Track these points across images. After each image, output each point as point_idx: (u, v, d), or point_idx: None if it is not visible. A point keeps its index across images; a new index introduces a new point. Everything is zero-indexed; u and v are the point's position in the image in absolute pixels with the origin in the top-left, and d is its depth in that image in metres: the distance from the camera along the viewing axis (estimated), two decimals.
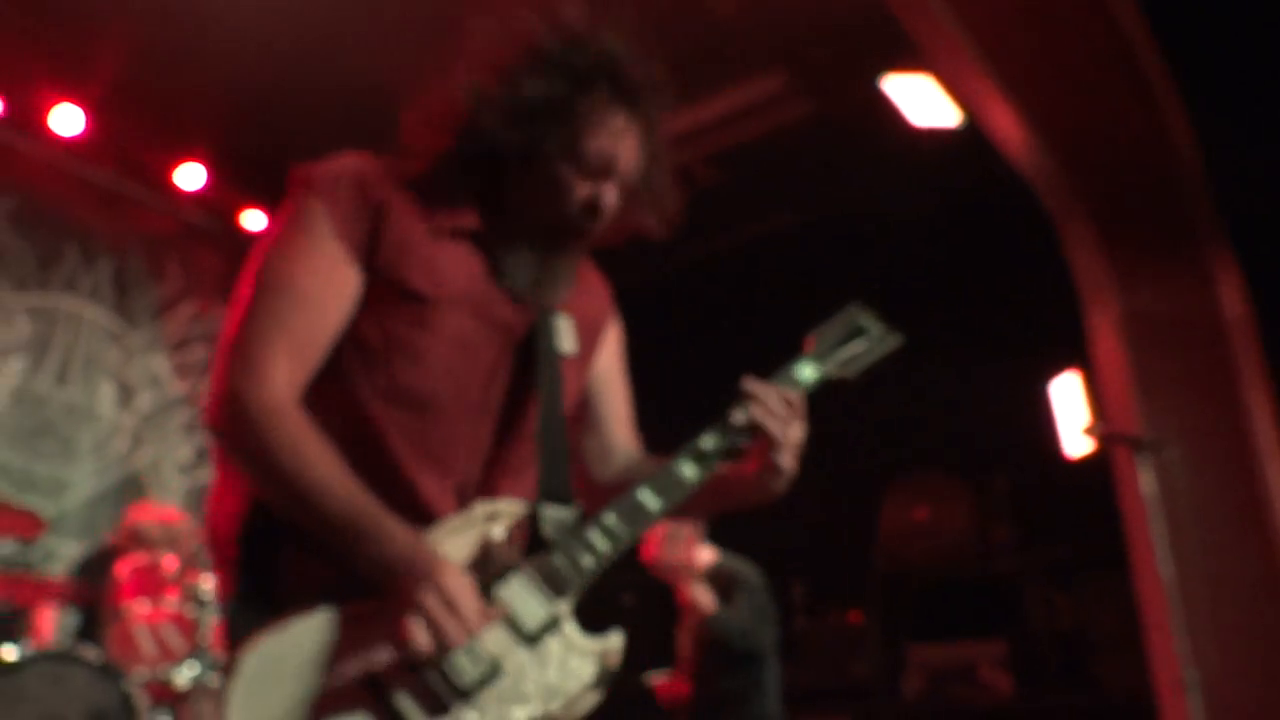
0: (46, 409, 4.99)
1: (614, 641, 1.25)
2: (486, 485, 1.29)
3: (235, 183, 5.54)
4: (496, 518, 1.24)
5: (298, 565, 1.20)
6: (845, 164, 5.15)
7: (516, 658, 1.18)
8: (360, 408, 1.25)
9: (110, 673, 3.47)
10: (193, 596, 3.91)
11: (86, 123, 4.92)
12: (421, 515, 1.22)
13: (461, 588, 1.14)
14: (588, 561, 1.23)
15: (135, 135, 5.13)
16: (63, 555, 4.65)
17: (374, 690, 1.12)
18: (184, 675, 3.75)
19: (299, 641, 1.13)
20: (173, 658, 3.84)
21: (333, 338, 1.24)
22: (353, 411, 1.25)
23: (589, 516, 1.27)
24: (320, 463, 1.16)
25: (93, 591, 3.85)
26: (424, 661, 1.12)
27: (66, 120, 4.88)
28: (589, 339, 1.45)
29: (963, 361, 5.13)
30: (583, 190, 1.29)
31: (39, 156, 4.99)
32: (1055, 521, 4.92)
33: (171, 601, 3.93)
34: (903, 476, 5.37)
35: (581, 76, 1.26)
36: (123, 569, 3.94)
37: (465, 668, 1.13)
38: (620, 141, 1.29)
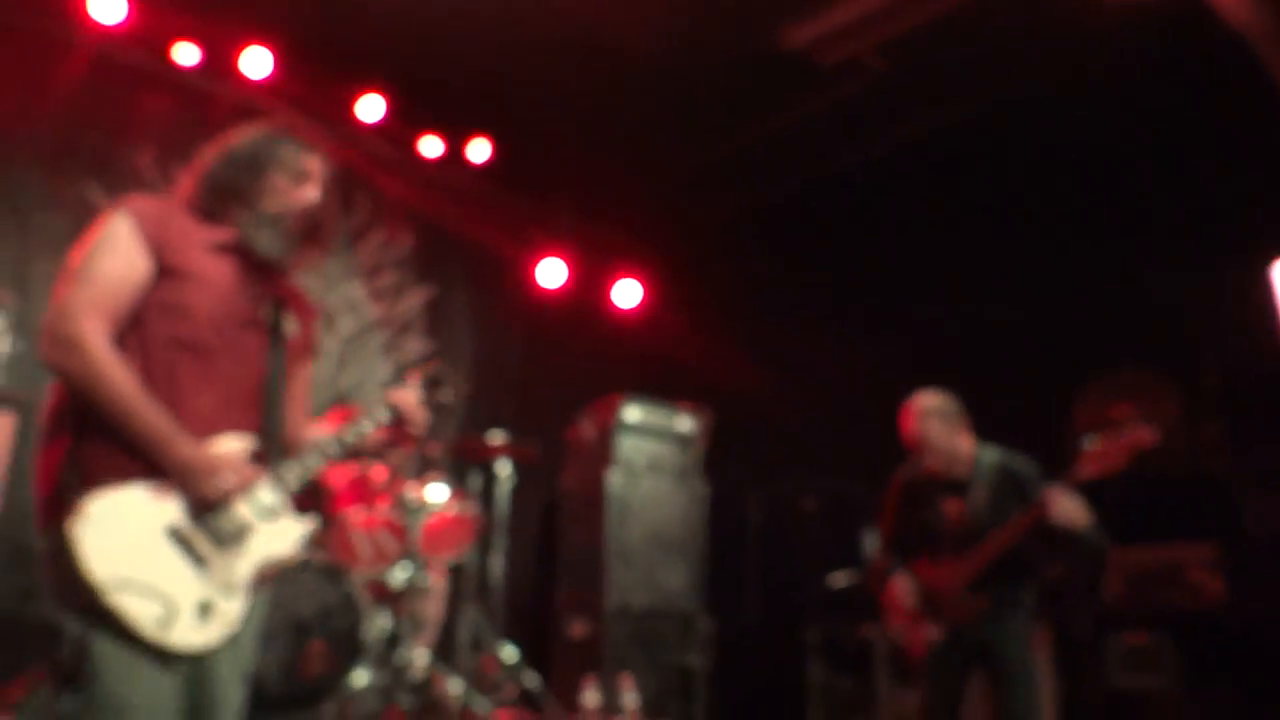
0: None
1: (309, 521, 2.01)
2: (249, 407, 1.97)
3: (412, 112, 5.69)
4: (241, 446, 1.93)
5: (108, 460, 1.80)
6: (1030, 42, 4.77)
7: (259, 524, 1.93)
8: (155, 350, 1.88)
9: (334, 574, 3.74)
10: (401, 504, 4.16)
11: (274, 63, 5.16)
12: (202, 425, 1.88)
13: (237, 462, 1.87)
14: (293, 481, 1.99)
15: (318, 72, 5.35)
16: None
17: (175, 536, 1.81)
18: (398, 576, 4.05)
19: (124, 501, 1.76)
20: (387, 560, 4.11)
21: (131, 303, 1.87)
22: (152, 352, 1.87)
23: (293, 453, 2.07)
24: (130, 393, 1.78)
25: (313, 501, 4.10)
26: (218, 507, 1.85)
27: (256, 63, 5.12)
28: (305, 336, 2.18)
29: (1172, 247, 4.69)
30: (296, 193, 2.08)
31: (232, 100, 5.25)
32: (1272, 418, 4.49)
33: (383, 509, 4.20)
34: (1106, 372, 4.98)
35: (282, 141, 2.10)
36: (338, 480, 4.21)
37: (231, 523, 1.88)
38: (311, 167, 2.11)
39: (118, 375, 1.78)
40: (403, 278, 6.01)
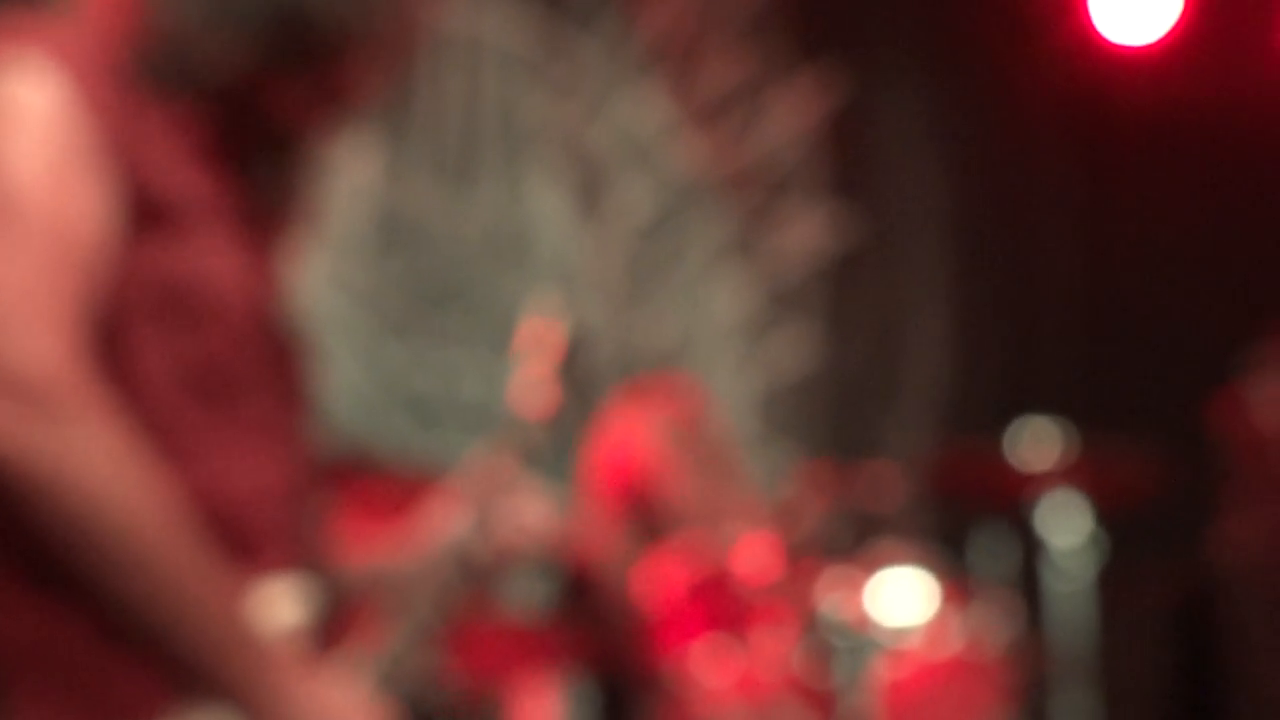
0: (438, 249, 5.77)
1: None
2: (283, 501, 2.03)
3: None
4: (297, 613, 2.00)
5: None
6: None
7: None
8: (160, 407, 1.90)
9: None
10: (819, 632, 4.48)
11: None
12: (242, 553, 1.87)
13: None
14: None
15: None
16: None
17: None
18: None
19: None
20: None
21: (102, 292, 1.90)
22: (156, 413, 1.90)
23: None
24: (190, 546, 1.76)
25: (599, 637, 4.57)
26: None
27: None
28: None
29: None
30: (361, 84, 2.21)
31: None
32: None
33: (776, 647, 4.51)
34: None
35: None
36: (668, 583, 4.55)
37: None
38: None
39: (158, 499, 1.74)
40: (759, 74, 6.26)
